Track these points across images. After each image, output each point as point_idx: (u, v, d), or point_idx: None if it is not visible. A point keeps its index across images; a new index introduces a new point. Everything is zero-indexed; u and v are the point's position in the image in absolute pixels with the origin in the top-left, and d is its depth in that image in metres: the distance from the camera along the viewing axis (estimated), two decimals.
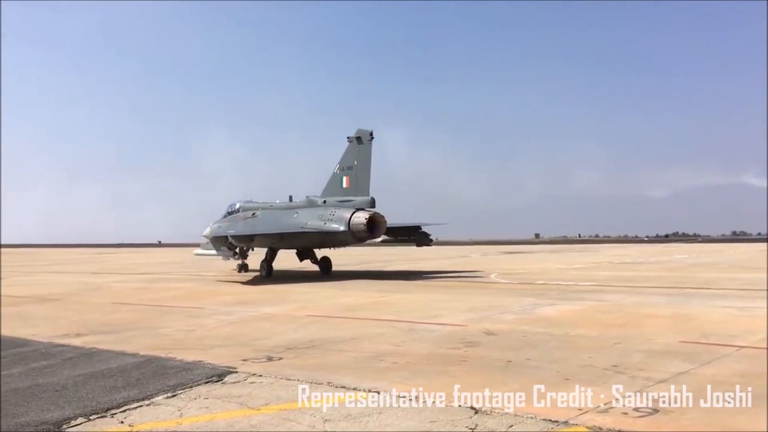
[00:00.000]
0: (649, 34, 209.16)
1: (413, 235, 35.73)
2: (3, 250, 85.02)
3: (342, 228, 30.27)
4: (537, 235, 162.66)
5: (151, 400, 7.90)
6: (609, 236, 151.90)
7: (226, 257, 33.71)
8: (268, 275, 31.55)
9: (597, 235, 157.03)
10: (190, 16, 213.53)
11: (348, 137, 32.46)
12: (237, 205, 36.19)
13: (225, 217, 36.17)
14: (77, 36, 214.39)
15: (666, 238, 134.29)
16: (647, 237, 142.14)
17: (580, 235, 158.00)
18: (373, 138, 31.89)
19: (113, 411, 7.46)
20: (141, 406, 7.67)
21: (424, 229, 36.00)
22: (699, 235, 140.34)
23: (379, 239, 33.67)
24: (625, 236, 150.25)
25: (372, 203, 31.21)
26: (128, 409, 7.53)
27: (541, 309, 15.90)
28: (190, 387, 8.44)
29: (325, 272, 33.65)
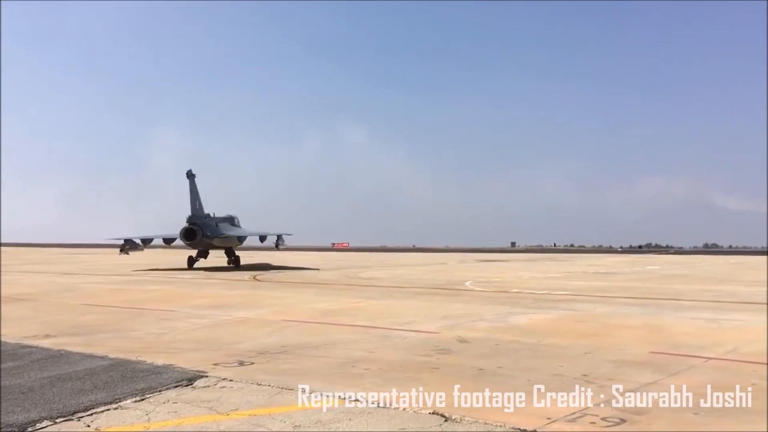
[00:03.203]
0: (621, 48, 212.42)
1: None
2: None
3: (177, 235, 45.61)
4: (513, 244, 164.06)
5: (119, 403, 7.80)
6: (584, 246, 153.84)
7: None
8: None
9: (572, 245, 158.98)
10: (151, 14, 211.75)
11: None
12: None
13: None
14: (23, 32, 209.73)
15: (639, 249, 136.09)
16: (621, 248, 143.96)
17: (555, 245, 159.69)
18: (194, 175, 45.58)
19: (80, 414, 7.36)
20: (108, 409, 7.57)
21: (276, 235, 50.85)
22: (671, 247, 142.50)
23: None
24: (600, 246, 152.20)
25: (190, 220, 44.63)
26: (95, 413, 7.43)
27: (515, 317, 16.01)
28: (159, 391, 8.36)
29: (233, 264, 46.84)
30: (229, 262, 47.10)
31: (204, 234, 44.27)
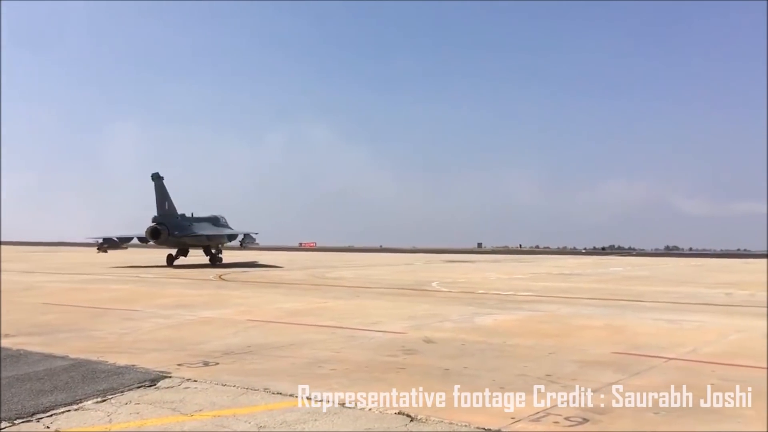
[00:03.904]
0: (585, 51, 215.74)
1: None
2: None
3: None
4: (479, 245, 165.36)
5: (80, 404, 7.66)
6: (549, 247, 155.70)
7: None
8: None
9: (537, 246, 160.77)
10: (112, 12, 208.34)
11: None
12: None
13: None
14: None
15: (603, 251, 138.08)
16: (585, 249, 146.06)
17: (521, 246, 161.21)
18: (161, 177, 46.93)
19: (39, 415, 7.20)
20: (69, 410, 7.43)
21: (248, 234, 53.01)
22: (634, 249, 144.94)
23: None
24: (564, 248, 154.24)
25: (156, 219, 46.21)
26: (55, 414, 7.28)
27: (480, 318, 16.13)
28: (121, 392, 8.22)
29: (210, 262, 48.83)
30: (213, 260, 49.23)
31: (171, 233, 45.85)
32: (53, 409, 7.42)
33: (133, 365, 9.79)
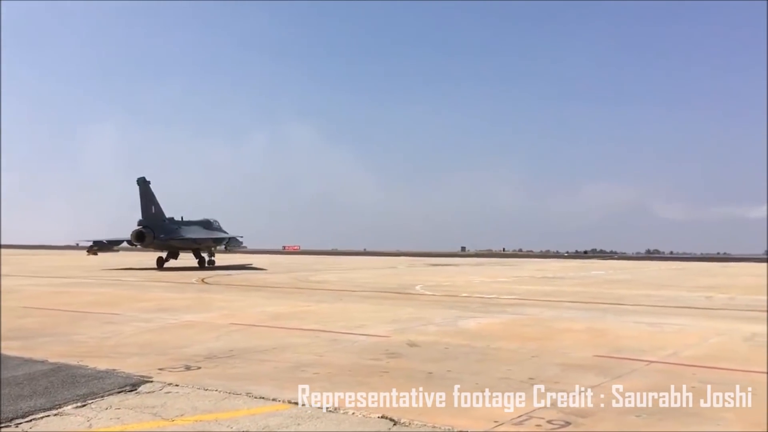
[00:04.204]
0: (568, 55, 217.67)
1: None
2: None
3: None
4: (463, 248, 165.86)
5: (60, 409, 7.57)
6: (532, 251, 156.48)
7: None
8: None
9: (520, 250, 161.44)
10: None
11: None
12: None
13: None
14: None
15: (585, 255, 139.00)
16: (567, 253, 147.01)
17: (504, 250, 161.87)
18: (147, 182, 48.22)
19: (18, 420, 7.11)
20: (48, 415, 7.34)
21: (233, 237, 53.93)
22: (615, 253, 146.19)
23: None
24: (547, 251, 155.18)
25: (141, 223, 47.24)
26: (35, 419, 7.19)
27: (464, 321, 16.16)
28: (102, 397, 8.13)
29: (199, 265, 49.55)
30: (208, 263, 50.64)
31: (156, 236, 47.00)
32: (33, 414, 7.33)
33: (114, 370, 9.69)
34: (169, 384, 8.81)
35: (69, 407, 7.66)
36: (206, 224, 52.59)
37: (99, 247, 51.89)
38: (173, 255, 49.93)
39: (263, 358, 10.97)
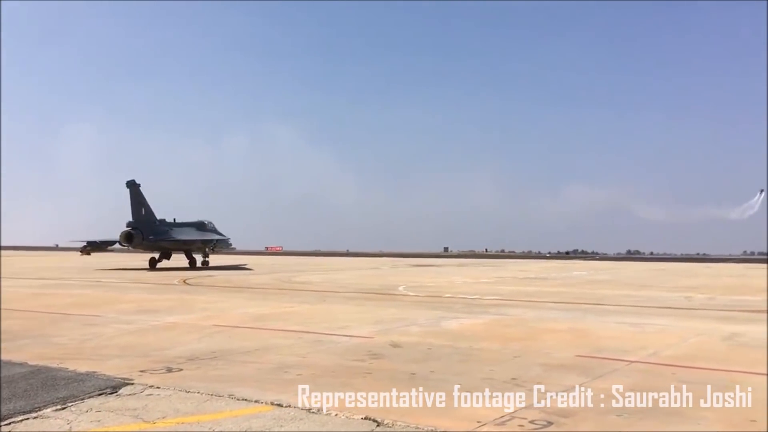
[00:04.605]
0: (547, 57, 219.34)
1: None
2: None
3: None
4: (446, 249, 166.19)
5: (39, 412, 7.48)
6: (514, 251, 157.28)
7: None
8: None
9: (503, 251, 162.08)
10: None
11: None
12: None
13: None
14: None
15: (567, 255, 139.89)
16: (549, 253, 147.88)
17: (487, 250, 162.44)
18: (137, 185, 49.67)
19: None
20: (27, 418, 7.25)
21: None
22: (597, 253, 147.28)
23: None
24: (529, 252, 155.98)
25: (130, 224, 48.69)
26: (13, 422, 7.10)
27: (447, 322, 16.19)
28: (82, 399, 8.05)
29: (190, 266, 50.58)
30: (202, 263, 52.11)
31: (145, 237, 48.47)
32: (11, 417, 7.24)
33: (95, 372, 9.60)
34: (151, 386, 8.74)
35: (49, 410, 7.57)
36: (199, 225, 54.16)
37: (92, 247, 53.28)
38: (166, 256, 51.02)
39: (246, 359, 10.92)
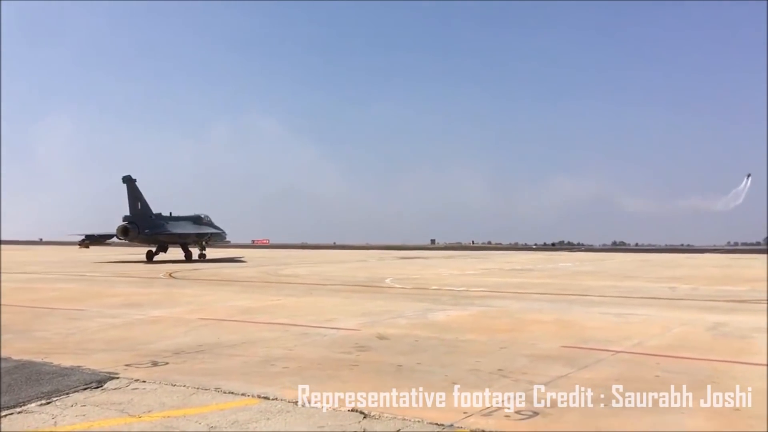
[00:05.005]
0: (530, 51, 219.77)
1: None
2: None
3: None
4: (433, 241, 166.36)
5: (23, 407, 7.43)
6: (500, 243, 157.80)
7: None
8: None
9: (489, 242, 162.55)
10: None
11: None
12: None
13: None
14: None
15: (552, 247, 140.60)
16: (535, 245, 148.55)
17: (473, 242, 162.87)
18: (133, 180, 50.31)
19: None
20: (12, 413, 7.20)
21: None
22: (582, 245, 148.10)
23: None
24: (516, 244, 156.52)
25: (126, 219, 49.70)
26: None
27: (434, 314, 16.23)
28: (67, 394, 8.00)
29: (185, 258, 51.59)
30: (199, 256, 53.07)
31: (141, 231, 49.59)
32: None
33: (79, 366, 9.54)
34: (136, 380, 8.70)
35: (33, 405, 7.52)
36: (195, 219, 55.29)
37: (90, 240, 54.89)
38: (162, 249, 52.54)
39: (232, 352, 10.90)
